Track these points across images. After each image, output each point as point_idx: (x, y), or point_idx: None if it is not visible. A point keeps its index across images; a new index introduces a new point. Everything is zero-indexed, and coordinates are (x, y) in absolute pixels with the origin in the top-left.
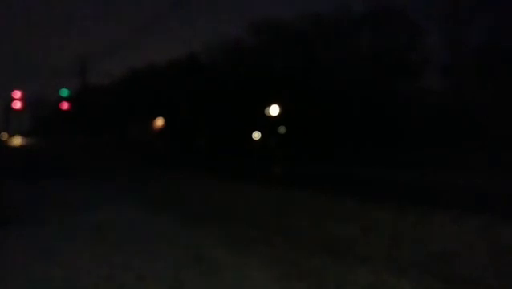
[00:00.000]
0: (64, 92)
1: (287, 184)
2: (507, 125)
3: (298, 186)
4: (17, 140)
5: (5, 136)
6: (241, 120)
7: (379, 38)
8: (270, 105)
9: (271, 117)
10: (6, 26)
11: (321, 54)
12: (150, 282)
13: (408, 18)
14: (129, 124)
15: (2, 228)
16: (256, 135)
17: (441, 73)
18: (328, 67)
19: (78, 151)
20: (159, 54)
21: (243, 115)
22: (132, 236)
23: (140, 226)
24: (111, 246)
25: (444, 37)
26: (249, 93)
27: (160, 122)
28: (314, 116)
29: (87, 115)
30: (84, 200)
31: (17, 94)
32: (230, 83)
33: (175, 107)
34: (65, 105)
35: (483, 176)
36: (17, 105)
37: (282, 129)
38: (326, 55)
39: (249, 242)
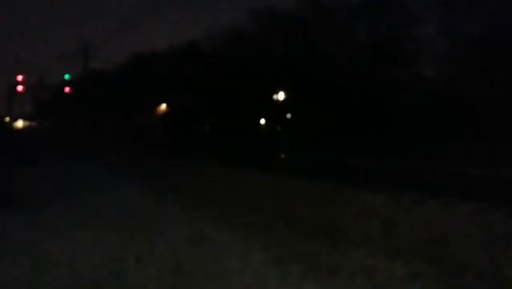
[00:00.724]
0: (67, 77)
1: (290, 171)
2: (506, 114)
3: (299, 173)
4: (19, 124)
5: (7, 119)
6: (242, 107)
7: (378, 27)
8: (270, 92)
9: (277, 104)
10: (8, 13)
11: (320, 43)
12: (150, 263)
13: (406, 7)
14: (131, 109)
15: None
16: (262, 121)
17: (440, 62)
18: (328, 56)
19: (79, 136)
20: (160, 40)
21: (245, 101)
22: (133, 223)
23: (140, 213)
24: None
25: (443, 26)
26: (250, 80)
27: (163, 108)
28: (314, 103)
29: (89, 99)
30: (84, 187)
31: (19, 78)
32: (231, 70)
33: (176, 93)
34: (66, 89)
35: (481, 164)
36: (19, 89)
37: (288, 115)
38: (325, 44)
39: (249, 227)
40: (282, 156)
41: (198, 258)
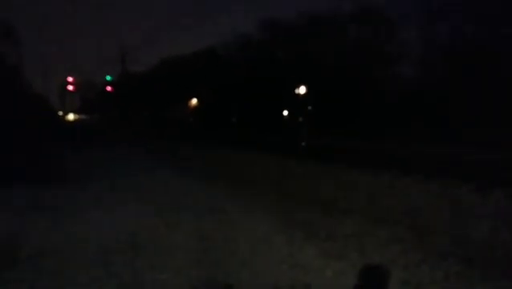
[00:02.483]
0: (108, 78)
1: (309, 156)
2: (473, 110)
3: (301, 158)
4: (70, 117)
5: (60, 113)
6: (263, 102)
7: (364, 32)
8: (288, 88)
9: (297, 97)
10: (59, 21)
11: (315, 48)
12: (178, 226)
13: (385, 16)
14: (165, 104)
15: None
16: (285, 113)
17: (416, 64)
18: (320, 58)
19: (120, 127)
20: (185, 46)
21: (265, 97)
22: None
23: (169, 187)
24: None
25: (419, 32)
26: (265, 79)
27: (194, 102)
28: (317, 99)
29: (128, 96)
30: (123, 170)
31: (70, 79)
32: (246, 73)
33: (201, 92)
34: (109, 88)
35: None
36: (70, 88)
37: (309, 108)
38: (319, 48)
39: (256, 199)
40: (303, 144)
41: (214, 222)
